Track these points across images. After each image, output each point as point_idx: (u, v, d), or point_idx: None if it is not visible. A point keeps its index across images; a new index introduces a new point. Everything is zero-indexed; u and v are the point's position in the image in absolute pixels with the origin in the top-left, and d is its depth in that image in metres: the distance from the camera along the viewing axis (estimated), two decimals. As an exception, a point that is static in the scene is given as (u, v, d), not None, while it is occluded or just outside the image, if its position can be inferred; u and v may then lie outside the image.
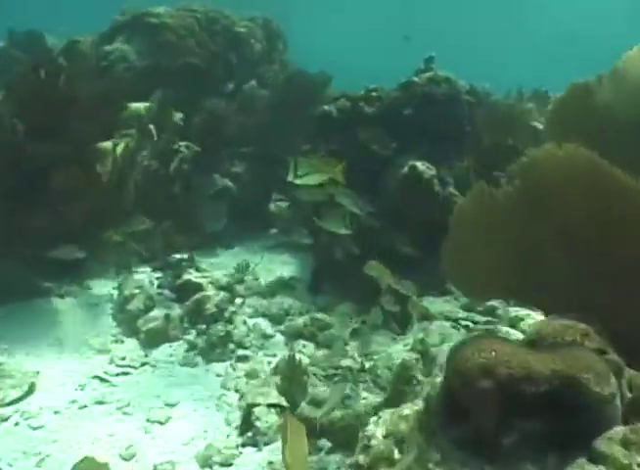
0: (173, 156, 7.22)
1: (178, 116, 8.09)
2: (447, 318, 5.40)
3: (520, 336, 5.24)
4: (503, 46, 33.40)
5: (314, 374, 4.86)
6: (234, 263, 7.24)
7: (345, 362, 5.10)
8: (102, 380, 4.82)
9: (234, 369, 5.08)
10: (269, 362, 5.19)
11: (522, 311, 5.48)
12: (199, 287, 5.85)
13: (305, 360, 5.18)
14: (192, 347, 5.32)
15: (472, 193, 2.78)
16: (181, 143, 7.62)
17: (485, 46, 32.60)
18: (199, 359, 5.22)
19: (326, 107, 6.43)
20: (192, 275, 6.06)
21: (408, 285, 5.36)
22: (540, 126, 6.00)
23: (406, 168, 5.61)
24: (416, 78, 6.06)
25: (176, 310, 5.65)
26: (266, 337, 5.55)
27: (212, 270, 6.72)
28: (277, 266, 7.12)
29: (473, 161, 6.36)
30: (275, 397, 4.29)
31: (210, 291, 5.90)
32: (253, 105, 8.29)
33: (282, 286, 6.48)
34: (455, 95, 5.94)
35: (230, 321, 5.51)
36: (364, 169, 5.91)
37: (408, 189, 5.61)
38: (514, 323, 5.37)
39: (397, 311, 5.70)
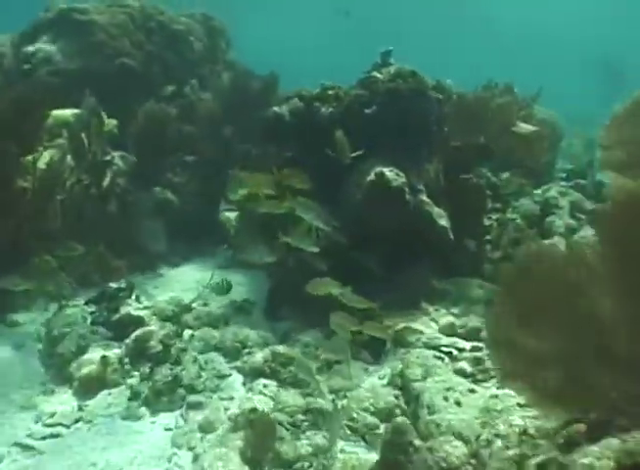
0: (107, 168, 6.34)
1: (112, 123, 7.20)
2: (427, 346, 4.70)
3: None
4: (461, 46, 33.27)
5: (280, 423, 4.10)
6: (181, 286, 6.44)
7: (315, 403, 4.36)
8: (24, 448, 3.95)
9: (185, 420, 4.27)
10: (226, 409, 4.41)
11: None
12: (140, 321, 5.02)
13: (269, 404, 4.43)
14: (135, 395, 4.49)
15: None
16: (115, 153, 6.75)
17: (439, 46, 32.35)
18: (143, 410, 4.39)
19: (276, 108, 5.66)
20: (131, 307, 5.23)
21: (360, 300, 4.67)
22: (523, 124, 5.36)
23: (372, 175, 4.89)
24: (377, 74, 5.33)
25: (115, 351, 4.80)
26: (221, 377, 4.75)
27: (156, 297, 5.89)
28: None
29: (442, 162, 5.69)
30: (237, 465, 3.50)
31: (154, 324, 5.08)
32: (196, 109, 7.44)
33: (236, 312, 5.69)
34: (423, 90, 5.24)
35: (178, 361, 4.69)
36: (323, 178, 5.17)
37: (374, 198, 4.89)
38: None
39: (366, 338, 5.01)
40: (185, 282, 6.50)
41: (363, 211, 5.10)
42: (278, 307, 5.69)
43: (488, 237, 6.83)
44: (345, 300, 4.63)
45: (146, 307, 5.27)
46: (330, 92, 5.43)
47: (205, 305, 5.83)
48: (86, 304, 5.24)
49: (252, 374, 4.72)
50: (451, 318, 5.19)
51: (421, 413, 4.01)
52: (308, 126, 5.42)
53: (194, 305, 5.74)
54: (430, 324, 5.12)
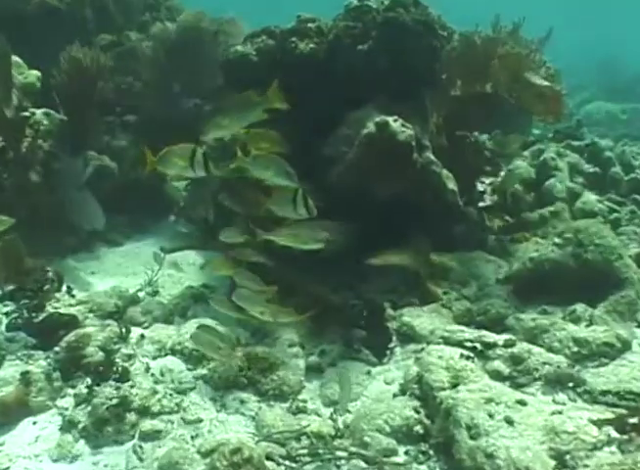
0: (25, 127, 4.95)
1: (33, 74, 5.77)
2: (448, 341, 3.61)
3: (546, 355, 3.57)
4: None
5: (269, 457, 2.96)
6: (124, 270, 5.15)
7: (312, 424, 3.23)
8: None
9: (140, 458, 3.06)
10: (193, 436, 3.23)
11: (539, 319, 3.80)
12: (72, 321, 3.74)
13: (249, 427, 3.28)
14: (69, 424, 3.25)
15: None
16: (38, 110, 5.35)
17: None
18: (81, 446, 3.16)
19: (240, 47, 4.39)
20: (61, 302, 3.94)
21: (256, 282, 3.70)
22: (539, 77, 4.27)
23: (371, 126, 3.71)
24: (370, 2, 4.13)
25: (40, 364, 3.53)
26: (183, 391, 3.54)
27: (93, 286, 4.60)
28: (183, 271, 5.05)
29: (442, 116, 4.56)
30: None
31: (91, 324, 3.82)
32: (137, 58, 6.07)
33: (194, 300, 4.45)
34: (430, 24, 4.07)
35: (125, 373, 3.45)
36: (301, 135, 4.00)
37: (373, 155, 3.72)
38: (534, 336, 3.69)
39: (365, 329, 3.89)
40: (128, 265, 5.21)
41: (354, 174, 3.93)
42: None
43: (482, 204, 5.84)
44: (238, 281, 3.72)
45: (80, 302, 3.97)
46: (309, 25, 4.21)
47: (155, 293, 4.59)
48: (0, 301, 3.92)
49: (224, 386, 3.55)
50: (466, 303, 4.11)
51: (458, 436, 2.93)
52: (283, 68, 4.18)
53: (141, 294, 4.50)
54: (442, 311, 4.02)
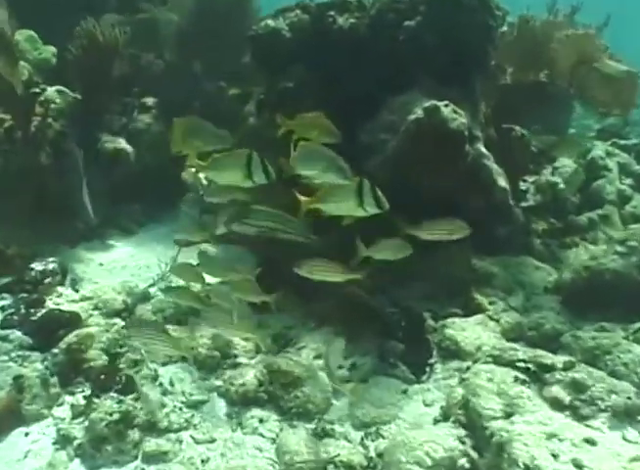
0: (35, 105, 4.50)
1: (49, 50, 5.33)
2: (498, 360, 3.10)
3: (610, 381, 3.06)
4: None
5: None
6: (135, 263, 4.68)
7: (340, 452, 2.75)
8: None
9: (142, 484, 2.62)
10: (204, 460, 2.76)
11: (599, 337, 3.29)
12: (74, 319, 3.28)
13: (270, 452, 2.82)
14: (64, 439, 2.80)
15: None
16: (50, 88, 4.90)
17: None
18: (76, 466, 2.71)
19: (270, 21, 3.89)
20: (63, 298, 3.49)
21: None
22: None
23: (419, 112, 3.21)
24: (419, -27, 3.63)
25: (36, 367, 3.08)
26: (194, 404, 3.08)
27: (100, 280, 4.13)
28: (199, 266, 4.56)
29: (491, 106, 4.04)
30: None
31: (95, 324, 3.36)
32: (156, 32, 5.59)
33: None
34: (486, 1, 3.55)
35: (130, 382, 2.99)
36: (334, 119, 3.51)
37: (419, 145, 3.21)
38: (594, 357, 3.18)
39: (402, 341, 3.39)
40: (141, 257, 4.74)
41: (396, 165, 3.42)
42: (268, 292, 4.02)
43: (525, 204, 5.31)
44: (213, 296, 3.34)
45: (84, 298, 3.52)
46: (350, -2, 3.71)
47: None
48: (-6, 294, 3.48)
49: (241, 400, 3.08)
50: (515, 315, 3.60)
51: (510, 473, 2.45)
52: (318, 46, 3.69)
53: (152, 290, 4.03)
54: (488, 324, 3.51)
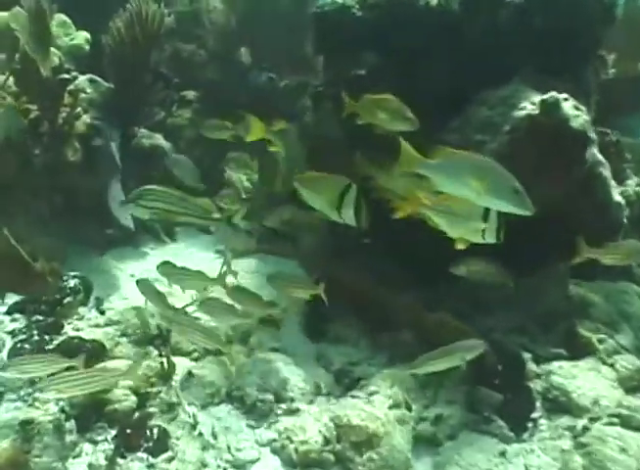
0: (64, 93, 3.90)
1: (82, 36, 4.74)
2: (626, 421, 2.39)
3: None
4: None
5: None
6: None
7: None
8: None
9: None
10: None
11: None
12: (97, 350, 2.65)
13: None
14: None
15: None
16: (82, 77, 4.30)
17: None
18: None
19: (338, -3, 3.23)
20: (85, 321, 2.86)
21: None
22: None
23: (532, 107, 2.52)
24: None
25: (49, 409, 2.44)
26: (242, 465, 2.42)
27: (132, 294, 3.49)
28: (248, 280, 3.90)
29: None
30: None
31: (123, 353, 2.72)
32: (201, 21, 4.97)
33: (257, 324, 3.32)
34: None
35: (163, 438, 2.34)
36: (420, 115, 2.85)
37: (531, 148, 2.52)
38: None
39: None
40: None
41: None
42: (326, 318, 3.35)
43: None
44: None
45: (110, 323, 2.88)
46: (436, -32, 3.03)
47: (210, 309, 3.48)
48: (9, 313, 2.85)
49: (302, 463, 2.41)
50: (631, 358, 2.88)
51: None
52: (396, 27, 3.02)
53: (190, 309, 3.38)
54: (601, 369, 2.80)
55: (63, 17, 4.83)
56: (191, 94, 4.91)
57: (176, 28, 4.95)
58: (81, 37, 4.78)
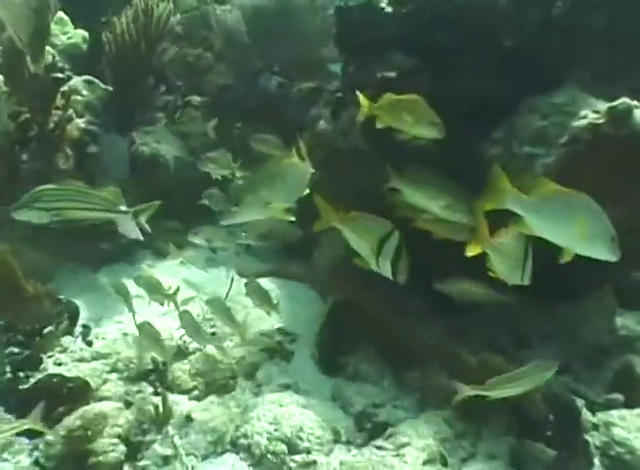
0: (57, 94, 3.51)
1: (79, 35, 4.37)
2: None
3: None
4: None
5: None
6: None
7: None
8: None
9: None
10: None
11: None
12: (80, 390, 2.24)
13: None
14: None
15: None
16: (77, 78, 3.93)
17: None
18: None
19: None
20: (69, 354, 2.45)
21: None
22: None
23: (594, 115, 2.12)
24: None
25: (20, 462, 2.04)
26: None
27: (125, 320, 3.09)
28: (248, 308, 3.49)
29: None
30: None
31: (112, 394, 2.31)
32: (209, 23, 4.60)
33: (267, 356, 2.91)
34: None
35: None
36: (447, 121, 2.48)
37: (595, 163, 2.13)
38: None
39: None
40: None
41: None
42: (343, 350, 2.95)
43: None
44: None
45: (99, 356, 2.46)
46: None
47: (211, 338, 3.06)
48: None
49: (321, 533, 2.01)
50: None
51: None
52: (431, 25, 2.64)
53: (191, 340, 2.97)
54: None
55: (60, 14, 4.48)
56: (196, 99, 4.54)
57: (182, 29, 4.61)
58: (79, 36, 4.41)
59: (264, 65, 4.34)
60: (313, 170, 2.16)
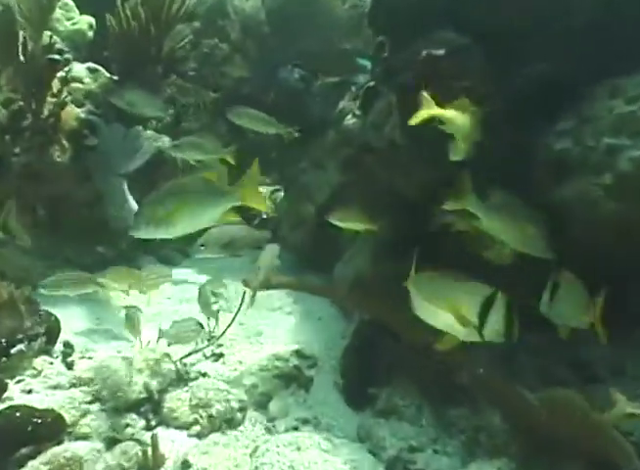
0: (53, 78, 3.11)
1: (85, 21, 3.97)
2: None
3: None
4: None
5: None
6: (178, 306, 3.19)
7: None
8: None
9: None
10: None
11: None
12: (51, 426, 1.79)
13: None
14: None
15: None
16: (79, 65, 3.53)
17: None
18: None
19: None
20: (41, 379, 2.00)
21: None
22: None
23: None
24: None
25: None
26: None
27: (117, 337, 2.65)
28: (268, 320, 3.05)
29: None
30: None
31: (91, 431, 1.86)
32: (225, 12, 4.18)
33: (283, 384, 2.46)
34: None
35: None
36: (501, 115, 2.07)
37: None
38: None
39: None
40: (182, 301, 3.26)
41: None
42: (373, 379, 2.49)
43: None
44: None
45: (79, 382, 2.02)
46: None
47: (217, 359, 2.61)
48: None
49: None
50: None
51: None
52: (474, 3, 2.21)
53: (191, 360, 2.51)
54: None
55: (66, -1, 4.11)
56: (209, 94, 4.13)
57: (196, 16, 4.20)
58: (84, 22, 4.03)
59: (284, 56, 3.93)
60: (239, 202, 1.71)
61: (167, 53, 3.65)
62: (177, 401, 2.15)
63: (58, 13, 3.96)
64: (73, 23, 3.99)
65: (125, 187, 3.27)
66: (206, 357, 2.62)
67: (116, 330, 2.74)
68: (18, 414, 1.69)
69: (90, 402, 1.94)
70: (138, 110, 3.17)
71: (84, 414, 1.90)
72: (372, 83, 2.85)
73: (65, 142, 3.18)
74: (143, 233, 1.65)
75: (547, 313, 1.86)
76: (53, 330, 2.14)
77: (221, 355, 2.65)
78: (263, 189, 4.69)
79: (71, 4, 4.03)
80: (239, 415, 2.22)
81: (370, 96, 2.82)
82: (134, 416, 2.03)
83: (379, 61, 2.86)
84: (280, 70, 3.87)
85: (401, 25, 2.47)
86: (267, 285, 2.67)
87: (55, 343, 2.16)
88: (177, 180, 1.74)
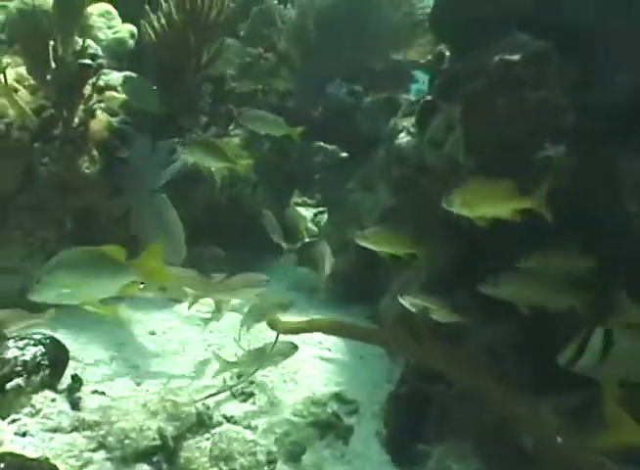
0: (85, 85, 2.91)
1: (127, 29, 3.80)
2: None
3: None
4: None
5: None
6: (206, 335, 2.91)
7: None
8: None
9: None
10: None
11: None
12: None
13: None
14: None
15: None
16: (117, 73, 3.34)
17: None
18: None
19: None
20: (40, 419, 1.73)
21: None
22: None
23: None
24: None
25: None
26: None
27: (134, 371, 2.38)
28: (305, 355, 2.72)
29: None
30: None
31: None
32: (272, 22, 3.97)
33: (318, 432, 2.15)
34: None
35: None
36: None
37: None
38: None
39: None
40: (212, 330, 2.98)
41: None
42: (422, 433, 2.15)
43: None
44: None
45: (84, 425, 1.75)
46: None
47: (246, 400, 2.31)
48: None
49: None
50: None
51: None
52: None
53: (213, 402, 2.22)
54: None
55: (107, 6, 3.96)
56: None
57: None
58: (126, 31, 3.86)
59: (333, 68, 3.67)
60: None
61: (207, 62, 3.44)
62: (196, 451, 1.87)
63: (99, 21, 3.83)
64: (115, 32, 3.84)
65: (162, 201, 3.02)
66: (235, 396, 2.34)
67: (139, 360, 2.49)
68: (1, 465, 1.43)
69: (94, 450, 1.67)
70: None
71: (85, 464, 1.62)
72: (429, 97, 2.57)
73: (94, 152, 2.98)
74: (43, 298, 1.65)
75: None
76: (59, 361, 1.89)
77: (251, 395, 2.37)
78: (306, 211, 4.48)
79: (114, 12, 3.89)
80: (270, 469, 1.93)
81: (427, 111, 2.53)
82: (145, 467, 1.75)
83: (437, 73, 2.59)
84: (328, 85, 3.62)
85: (468, 28, 2.19)
86: (298, 330, 2.37)
87: (61, 376, 1.91)
88: (77, 252, 1.69)
